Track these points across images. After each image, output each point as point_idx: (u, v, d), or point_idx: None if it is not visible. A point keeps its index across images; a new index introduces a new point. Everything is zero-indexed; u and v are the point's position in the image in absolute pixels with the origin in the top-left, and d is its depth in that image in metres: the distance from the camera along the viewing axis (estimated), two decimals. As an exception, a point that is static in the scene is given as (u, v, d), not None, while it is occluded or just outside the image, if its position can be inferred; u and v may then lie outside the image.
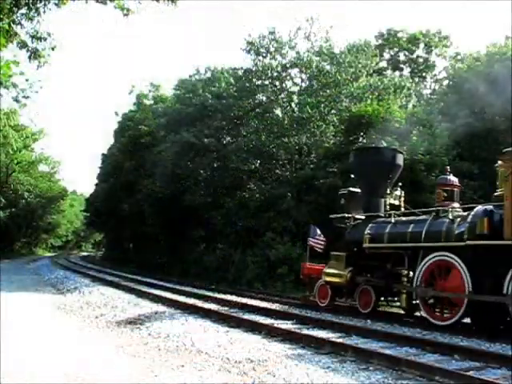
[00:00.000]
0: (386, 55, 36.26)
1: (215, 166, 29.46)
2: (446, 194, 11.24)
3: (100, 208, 49.09)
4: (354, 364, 6.69)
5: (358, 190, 13.41)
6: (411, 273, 10.88)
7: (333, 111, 26.51)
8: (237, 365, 6.60)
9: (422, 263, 10.42)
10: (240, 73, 29.59)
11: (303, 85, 27.92)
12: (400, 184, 13.31)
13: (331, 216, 13.45)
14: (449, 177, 11.59)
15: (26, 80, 27.15)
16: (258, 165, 27.69)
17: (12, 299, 13.06)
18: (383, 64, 34.79)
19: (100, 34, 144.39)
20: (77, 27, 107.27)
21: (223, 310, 11.79)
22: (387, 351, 7.28)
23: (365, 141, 20.65)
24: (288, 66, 27.39)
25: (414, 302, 10.84)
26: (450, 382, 5.86)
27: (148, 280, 21.24)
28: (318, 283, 12.99)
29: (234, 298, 14.75)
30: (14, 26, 10.49)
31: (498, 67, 19.40)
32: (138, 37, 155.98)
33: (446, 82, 32.12)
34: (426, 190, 16.89)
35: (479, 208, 9.98)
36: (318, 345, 7.68)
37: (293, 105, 28.07)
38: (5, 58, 12.79)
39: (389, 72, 33.46)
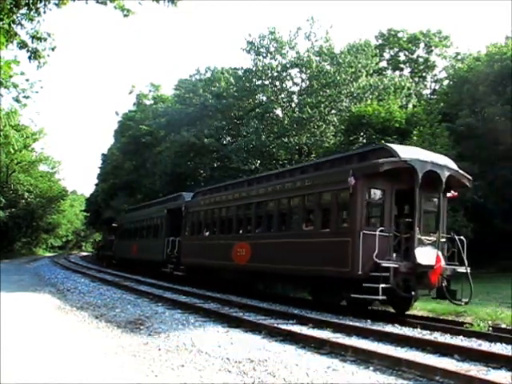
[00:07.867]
0: (386, 55, 36.27)
1: (215, 165, 29.45)
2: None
3: (100, 208, 49.09)
4: (353, 364, 6.69)
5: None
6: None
7: (333, 111, 26.54)
8: (237, 365, 6.60)
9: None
10: (240, 73, 29.62)
11: (303, 85, 27.94)
12: None
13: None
14: None
15: (26, 80, 27.28)
16: (257, 165, 27.67)
17: (12, 299, 13.05)
18: (383, 64, 34.80)
19: (100, 34, 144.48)
20: (77, 27, 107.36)
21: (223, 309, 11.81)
22: (387, 351, 7.28)
23: (365, 141, 20.66)
24: (288, 65, 27.41)
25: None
26: (450, 382, 5.86)
27: (148, 280, 21.24)
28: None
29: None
30: (14, 26, 10.48)
31: (497, 67, 19.40)
32: (138, 37, 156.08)
33: (446, 82, 32.13)
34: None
35: None
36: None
37: (293, 105, 28.09)
38: (5, 58, 12.79)
39: (389, 72, 33.47)
